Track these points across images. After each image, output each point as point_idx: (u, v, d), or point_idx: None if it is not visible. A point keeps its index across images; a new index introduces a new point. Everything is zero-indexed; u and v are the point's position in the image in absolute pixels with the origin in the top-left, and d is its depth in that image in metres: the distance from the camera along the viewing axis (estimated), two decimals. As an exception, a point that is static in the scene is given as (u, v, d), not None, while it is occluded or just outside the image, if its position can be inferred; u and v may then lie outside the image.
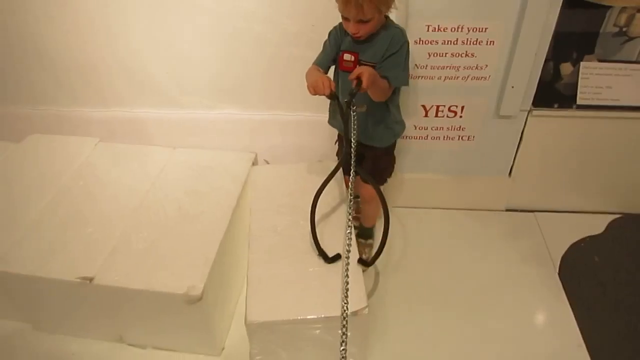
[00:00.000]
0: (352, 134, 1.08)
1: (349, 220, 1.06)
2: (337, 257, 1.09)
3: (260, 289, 1.04)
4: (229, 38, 1.67)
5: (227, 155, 1.42)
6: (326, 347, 1.02)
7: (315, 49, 1.66)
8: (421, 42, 1.23)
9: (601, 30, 1.36)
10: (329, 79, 1.11)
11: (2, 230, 1.20)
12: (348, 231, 1.05)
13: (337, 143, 1.41)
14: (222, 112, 1.83)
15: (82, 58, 1.79)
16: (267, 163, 1.67)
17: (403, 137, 1.42)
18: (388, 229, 1.09)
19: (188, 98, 1.82)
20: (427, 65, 1.27)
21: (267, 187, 1.31)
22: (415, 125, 1.39)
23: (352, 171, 1.08)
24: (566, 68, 1.39)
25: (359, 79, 1.04)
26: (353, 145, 1.08)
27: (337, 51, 1.18)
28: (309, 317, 0.99)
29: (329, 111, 1.31)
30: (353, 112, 1.07)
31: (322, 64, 1.21)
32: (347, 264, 1.02)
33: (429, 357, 1.18)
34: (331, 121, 1.31)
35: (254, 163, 1.40)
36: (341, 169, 1.18)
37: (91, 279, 1.07)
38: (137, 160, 1.43)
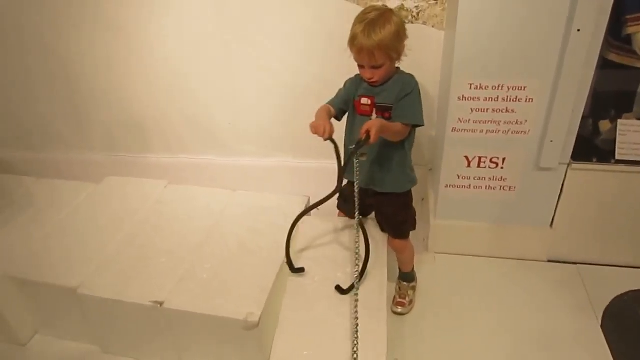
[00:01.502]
0: (356, 178, 1.20)
1: (356, 259, 1.17)
2: (301, 269, 1.25)
3: (288, 332, 1.13)
4: (285, 93, 1.85)
5: (282, 198, 1.54)
6: None
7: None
8: (464, 98, 1.34)
9: (639, 90, 1.43)
10: (330, 125, 1.20)
11: (85, 259, 1.35)
12: (356, 275, 1.16)
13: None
14: (275, 160, 1.99)
15: (154, 110, 2.01)
16: (317, 209, 1.78)
17: (447, 186, 1.52)
18: (368, 259, 1.21)
19: (246, 147, 1.99)
20: (469, 120, 1.38)
21: (313, 236, 1.41)
22: (458, 175, 1.49)
23: (357, 213, 1.20)
24: (605, 125, 1.47)
25: (368, 132, 1.15)
26: (356, 189, 1.20)
27: (351, 96, 1.30)
28: None
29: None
30: (356, 160, 1.20)
31: (335, 103, 1.32)
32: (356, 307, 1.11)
33: None
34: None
35: (307, 205, 1.51)
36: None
37: (161, 303, 1.20)
38: (201, 201, 1.57)
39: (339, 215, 1.49)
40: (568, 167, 1.42)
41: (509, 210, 1.53)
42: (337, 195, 1.29)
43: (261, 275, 1.24)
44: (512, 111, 1.34)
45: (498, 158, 1.43)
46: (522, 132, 1.37)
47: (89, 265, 1.33)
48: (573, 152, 1.41)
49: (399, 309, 1.43)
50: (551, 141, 1.36)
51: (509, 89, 1.31)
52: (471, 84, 1.32)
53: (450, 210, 1.57)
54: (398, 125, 1.21)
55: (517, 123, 1.36)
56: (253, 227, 1.43)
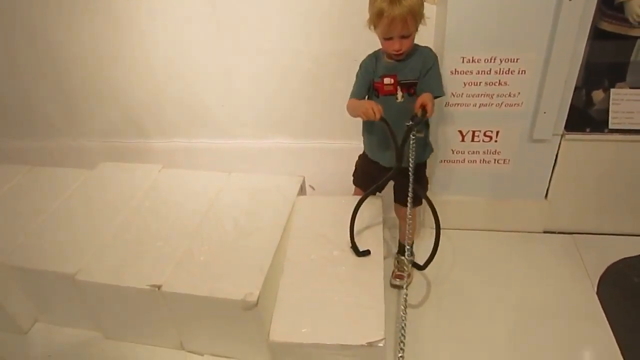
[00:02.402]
0: (411, 156, 1.16)
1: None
2: (366, 252, 1.22)
3: (287, 311, 1.15)
4: (279, 74, 1.84)
5: (278, 179, 1.54)
6: None
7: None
8: (457, 72, 1.34)
9: (632, 59, 1.43)
10: (377, 105, 1.17)
11: (82, 245, 1.35)
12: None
13: (358, 170, 1.46)
14: (271, 141, 1.99)
15: (146, 94, 1.99)
16: (313, 189, 1.79)
17: (442, 161, 1.52)
18: (439, 233, 1.23)
19: (241, 129, 1.99)
20: (462, 94, 1.37)
21: (309, 216, 1.42)
22: (453, 150, 1.48)
23: (409, 195, 1.18)
24: (598, 95, 1.46)
25: (423, 107, 1.13)
26: (411, 169, 1.17)
27: (370, 78, 1.26)
28: (327, 342, 1.06)
29: (369, 144, 1.37)
30: (413, 138, 1.15)
31: (360, 93, 1.28)
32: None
33: None
34: (374, 154, 1.36)
35: (302, 185, 1.51)
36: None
37: (159, 287, 1.20)
38: (196, 184, 1.57)
39: (354, 194, 1.47)
40: (562, 138, 1.42)
41: (504, 183, 1.53)
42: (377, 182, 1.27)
43: (259, 256, 1.25)
44: (505, 84, 1.34)
45: (492, 131, 1.43)
46: (515, 104, 1.37)
47: (86, 252, 1.33)
48: (566, 122, 1.41)
49: (397, 281, 1.44)
50: (544, 113, 1.36)
51: (501, 62, 1.30)
52: (463, 58, 1.31)
53: (446, 186, 1.57)
54: (428, 95, 1.18)
55: (510, 96, 1.36)
56: (249, 209, 1.43)
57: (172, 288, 1.20)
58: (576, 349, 1.28)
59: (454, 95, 1.38)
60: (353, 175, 1.46)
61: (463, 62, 1.32)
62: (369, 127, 1.33)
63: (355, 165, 1.46)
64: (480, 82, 1.34)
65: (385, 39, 1.18)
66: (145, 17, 1.78)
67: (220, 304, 1.16)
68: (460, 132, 1.45)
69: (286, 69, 1.81)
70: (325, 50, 1.74)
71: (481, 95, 1.36)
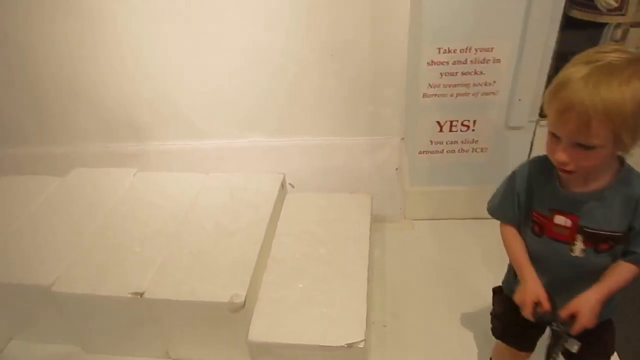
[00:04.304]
0: None
1: None
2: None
3: (267, 310, 1.12)
4: (252, 70, 1.80)
5: (257, 177, 1.52)
6: None
7: (333, 77, 1.78)
8: (433, 63, 1.34)
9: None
10: (543, 292, 0.81)
11: (57, 255, 1.30)
12: None
13: (500, 319, 1.03)
14: (248, 140, 1.95)
15: (118, 97, 1.93)
16: (292, 187, 1.77)
17: (420, 152, 1.52)
18: None
19: (216, 129, 1.94)
20: (440, 85, 1.37)
21: (294, 213, 1.40)
22: (431, 141, 1.49)
23: None
24: (569, 82, 1.49)
25: (573, 317, 0.77)
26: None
27: (526, 204, 0.86)
28: (307, 343, 1.04)
29: (509, 278, 1.00)
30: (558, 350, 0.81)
31: (510, 215, 0.90)
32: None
33: None
34: (512, 287, 0.94)
35: (282, 183, 1.50)
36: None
37: (142, 294, 1.17)
38: (173, 186, 1.54)
39: (495, 352, 1.09)
40: (536, 124, 1.44)
41: (482, 171, 1.55)
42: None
43: (243, 256, 1.23)
44: (481, 73, 1.35)
45: (469, 120, 1.44)
46: (491, 93, 1.38)
47: (62, 261, 1.28)
48: (540, 109, 1.42)
49: None
50: (519, 100, 1.37)
51: (476, 51, 1.31)
52: (440, 49, 1.31)
53: (425, 176, 1.58)
54: (629, 272, 0.78)
55: (485, 85, 1.37)
56: (230, 208, 1.40)
57: (155, 294, 1.16)
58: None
59: (431, 87, 1.38)
60: (492, 323, 1.05)
61: (439, 52, 1.32)
62: None
63: (494, 312, 1.05)
64: (456, 72, 1.35)
65: (552, 134, 0.76)
66: (119, 17, 1.73)
67: (207, 308, 1.14)
68: (438, 122, 1.45)
69: (260, 66, 1.78)
70: (300, 45, 1.71)
71: (457, 85, 1.37)
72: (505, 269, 1.46)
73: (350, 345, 1.02)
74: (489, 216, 1.63)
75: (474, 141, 1.48)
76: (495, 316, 1.04)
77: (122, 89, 1.90)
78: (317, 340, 1.04)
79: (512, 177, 0.90)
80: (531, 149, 1.50)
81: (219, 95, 1.88)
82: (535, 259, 0.85)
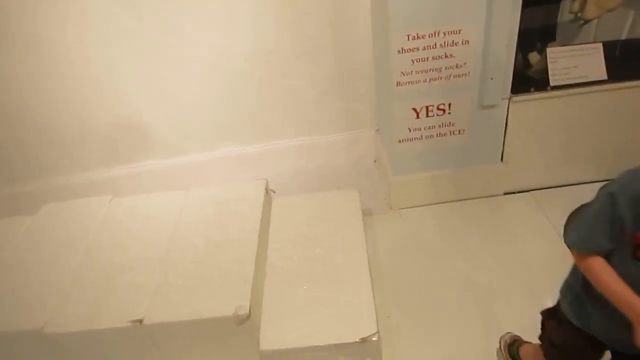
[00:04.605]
0: None
1: None
2: None
3: (274, 317, 1.10)
4: (218, 78, 1.77)
5: (240, 186, 1.49)
6: None
7: (301, 77, 1.77)
8: (404, 50, 1.34)
9: (559, 20, 1.50)
10: None
11: (43, 296, 1.24)
12: None
13: (559, 346, 0.95)
14: (222, 151, 1.92)
15: (79, 125, 1.86)
16: (274, 192, 1.75)
17: (400, 141, 1.53)
18: None
19: (187, 143, 1.91)
20: (412, 71, 1.38)
21: (284, 218, 1.38)
22: (409, 128, 1.50)
23: None
24: (534, 57, 1.52)
25: None
26: None
27: (633, 228, 0.75)
28: (320, 344, 1.03)
29: (588, 314, 0.87)
30: None
31: (607, 247, 0.78)
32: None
33: (454, 349, 1.23)
34: (598, 329, 0.86)
35: (266, 188, 1.47)
36: None
37: (141, 321, 1.12)
38: (154, 207, 1.49)
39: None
40: (509, 101, 1.47)
41: (462, 153, 1.57)
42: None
43: (239, 267, 1.20)
44: (451, 56, 1.36)
45: (444, 104, 1.46)
46: (463, 74, 1.40)
47: (48, 301, 1.22)
48: (511, 86, 1.45)
49: None
50: (491, 78, 1.40)
51: (445, 35, 1.32)
52: (409, 35, 1.32)
53: (407, 165, 1.58)
54: None
55: (457, 67, 1.38)
56: (217, 221, 1.37)
57: (155, 319, 1.12)
58: (555, 294, 1.32)
59: (404, 74, 1.39)
60: (547, 351, 0.99)
61: (408, 39, 1.33)
62: (597, 295, 0.81)
63: (550, 340, 0.97)
64: (427, 58, 1.36)
65: None
66: (67, 44, 1.66)
67: (211, 324, 1.10)
68: (415, 109, 1.46)
69: (223, 74, 1.76)
70: (262, 48, 1.70)
71: (430, 70, 1.38)
72: (490, 243, 1.49)
73: (364, 340, 1.01)
74: (471, 196, 1.68)
75: (451, 124, 1.50)
76: (552, 345, 0.95)
77: (83, 117, 1.84)
78: (330, 340, 1.02)
79: (612, 202, 0.77)
80: (506, 125, 1.52)
81: (186, 109, 1.84)
82: (633, 286, 0.75)
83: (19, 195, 1.98)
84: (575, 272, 0.89)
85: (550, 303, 1.29)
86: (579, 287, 0.88)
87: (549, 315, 1.00)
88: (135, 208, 1.51)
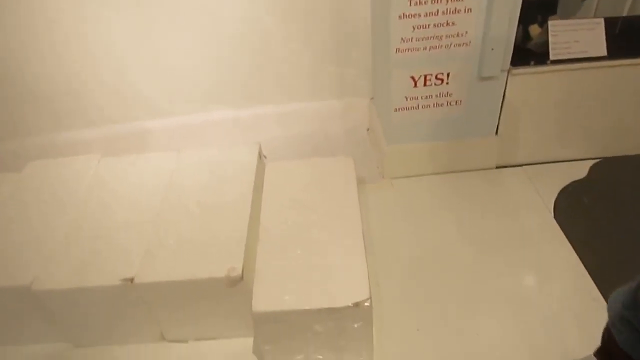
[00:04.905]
0: None
1: None
2: None
3: (267, 279, 1.10)
4: (211, 42, 1.73)
5: (232, 150, 1.46)
6: (331, 337, 1.08)
7: (296, 42, 1.73)
8: (405, 16, 1.31)
9: (561, -8, 1.48)
10: None
11: (31, 253, 1.22)
12: None
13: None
14: (213, 114, 1.89)
15: (64, 83, 1.81)
16: (265, 157, 1.73)
17: (396, 110, 1.51)
18: None
19: (179, 105, 1.87)
20: (412, 38, 1.35)
21: (279, 182, 1.37)
22: (406, 97, 1.48)
23: None
24: (534, 30, 1.51)
25: None
26: None
27: None
28: (312, 307, 1.03)
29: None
30: None
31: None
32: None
33: (440, 319, 1.24)
34: None
35: (260, 153, 1.46)
36: None
37: (132, 280, 1.11)
38: (145, 168, 1.46)
39: None
40: (508, 73, 1.46)
41: (457, 125, 1.56)
42: None
43: (232, 229, 1.19)
44: (453, 24, 1.34)
45: (443, 74, 1.44)
46: (463, 44, 1.38)
47: (37, 258, 1.20)
48: (511, 58, 1.44)
49: None
50: (492, 49, 1.38)
51: (447, 1, 1.30)
52: (410, 0, 1.29)
53: (401, 134, 1.57)
54: None
55: (458, 35, 1.36)
56: (209, 184, 1.35)
57: (146, 278, 1.11)
58: (543, 269, 1.34)
59: (403, 41, 1.36)
60: None
61: (410, 4, 1.29)
62: None
63: None
64: (428, 25, 1.33)
65: None
66: (57, 1, 1.60)
67: (202, 285, 1.10)
68: (413, 77, 1.44)
69: (216, 36, 1.71)
70: (259, 11, 1.65)
71: (430, 37, 1.36)
72: (480, 214, 1.49)
73: (356, 305, 1.02)
74: (463, 169, 1.68)
75: (449, 94, 1.48)
76: None
77: (67, 75, 1.78)
78: (322, 304, 1.03)
79: None
80: (503, 99, 1.52)
81: (177, 71, 1.80)
82: None
83: (2, 153, 1.93)
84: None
85: (534, 275, 1.33)
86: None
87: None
88: (125, 168, 1.48)
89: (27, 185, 1.48)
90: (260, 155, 1.47)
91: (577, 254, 1.36)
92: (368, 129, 1.87)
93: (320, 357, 1.13)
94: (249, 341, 1.24)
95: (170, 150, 1.52)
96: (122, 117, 1.91)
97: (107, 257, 1.18)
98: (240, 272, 1.08)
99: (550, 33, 1.44)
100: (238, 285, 1.09)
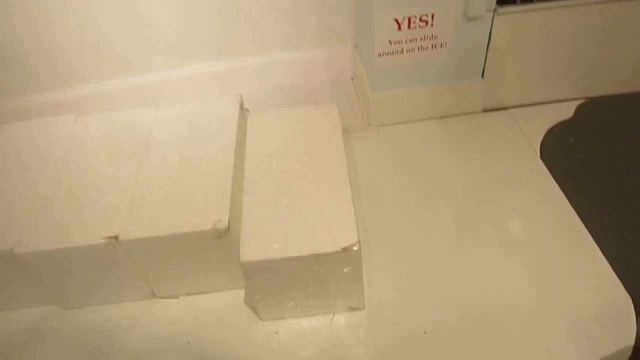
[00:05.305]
0: None
1: None
2: None
3: (254, 229, 1.07)
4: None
5: (213, 102, 1.42)
6: (322, 283, 1.07)
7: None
8: (386, -46, 1.26)
9: None
10: None
11: (10, 217, 1.18)
12: None
13: None
14: (190, 68, 1.82)
15: (33, 41, 1.72)
16: (248, 111, 1.69)
17: (380, 55, 1.47)
18: None
19: (154, 60, 1.80)
20: (395, -23, 1.30)
21: (262, 132, 1.33)
22: (390, 41, 1.43)
23: None
24: (519, -35, 1.46)
25: None
26: None
27: None
28: (301, 254, 1.01)
29: None
30: None
31: None
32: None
33: (429, 261, 1.24)
34: None
35: (241, 104, 1.41)
36: None
37: (116, 237, 1.09)
38: (123, 125, 1.41)
39: None
40: (494, 13, 1.42)
41: (443, 68, 1.52)
42: None
43: (216, 182, 1.16)
44: (436, -40, 1.28)
45: (427, 15, 1.39)
46: (448, -19, 1.33)
47: (16, 222, 1.16)
48: (497, -3, 1.40)
49: None
50: (477, -14, 1.33)
51: None
52: (392, -64, 1.23)
53: (386, 81, 1.54)
54: None
55: (442, -28, 1.31)
56: (191, 137, 1.31)
57: (130, 235, 1.09)
58: (530, 209, 1.35)
59: (386, -20, 1.31)
60: None
61: (392, -60, 1.24)
62: None
63: None
64: (411, -38, 1.28)
65: None
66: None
67: (189, 239, 1.08)
68: (396, 20, 1.39)
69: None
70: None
71: (413, -24, 1.31)
72: (468, 158, 1.48)
73: (345, 249, 1.00)
74: (450, 114, 1.66)
75: (433, 37, 1.44)
76: None
77: (36, 32, 1.69)
78: (311, 250, 1.01)
79: None
80: (489, 40, 1.48)
81: (151, 23, 1.72)
82: None
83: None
84: None
85: (522, 215, 1.33)
86: None
87: None
88: (103, 126, 1.43)
89: (1, 148, 1.42)
90: (242, 107, 1.43)
91: (565, 193, 1.37)
92: (352, 78, 1.83)
93: (312, 303, 1.13)
94: (241, 293, 1.24)
95: (148, 106, 1.47)
96: (96, 76, 1.84)
97: (89, 216, 1.15)
98: (226, 223, 1.06)
99: (536, -32, 1.40)
100: (225, 237, 1.07)
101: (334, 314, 1.16)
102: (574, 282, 1.15)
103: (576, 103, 1.67)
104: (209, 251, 1.11)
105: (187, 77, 1.80)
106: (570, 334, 1.06)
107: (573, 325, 1.07)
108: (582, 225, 1.27)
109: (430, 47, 1.46)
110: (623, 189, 1.37)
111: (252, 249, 1.04)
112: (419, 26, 1.41)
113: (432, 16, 1.39)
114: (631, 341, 1.00)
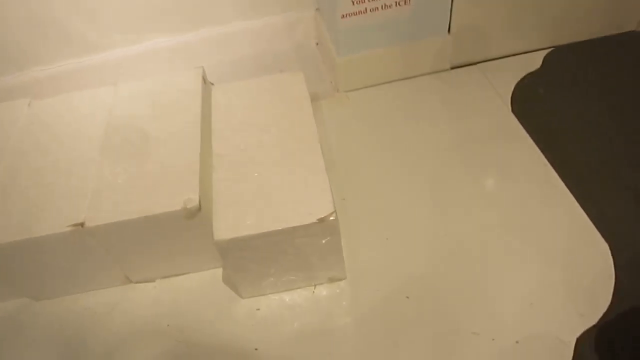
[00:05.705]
0: None
1: None
2: None
3: (226, 206, 1.04)
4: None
5: (174, 77, 1.36)
6: (301, 256, 1.05)
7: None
8: None
9: None
10: None
11: (-34, 208, 1.12)
12: None
13: None
14: (148, 44, 1.74)
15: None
16: (212, 84, 1.63)
17: (343, 16, 1.42)
18: None
19: (109, 37, 1.71)
20: None
21: (227, 105, 1.28)
22: (352, 1, 1.38)
23: None
24: None
25: None
26: None
27: None
28: (277, 228, 0.98)
29: None
30: None
31: None
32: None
33: (408, 225, 1.23)
34: None
35: (204, 77, 1.35)
36: None
37: (82, 224, 1.04)
38: (81, 107, 1.34)
39: None
40: (457, -36, 1.38)
41: (408, 27, 1.48)
42: None
43: (183, 160, 1.12)
44: None
45: (389, -29, 1.34)
46: None
47: (-25, 214, 1.11)
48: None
49: None
50: (438, -63, 1.29)
51: None
52: None
53: (351, 44, 1.49)
54: None
55: None
56: (153, 115, 1.25)
57: (97, 221, 1.04)
58: (505, 165, 1.34)
59: (344, -64, 1.25)
60: None
61: None
62: None
63: None
64: None
65: None
66: None
67: (159, 221, 1.04)
68: (358, -22, 1.34)
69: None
70: None
71: None
72: (438, 120, 1.47)
73: (322, 220, 0.98)
74: (417, 73, 1.62)
75: (396, -7, 1.40)
76: None
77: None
78: (287, 223, 0.98)
79: None
80: (453, -6, 1.45)
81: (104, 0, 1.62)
82: None
83: None
84: None
85: (497, 172, 1.33)
86: None
87: None
88: (60, 109, 1.36)
89: (-50, 140, 1.34)
90: (205, 80, 1.37)
91: (537, 146, 1.37)
92: (317, 43, 1.77)
93: (292, 277, 1.11)
94: (219, 272, 1.21)
95: (106, 85, 1.40)
96: (50, 57, 1.74)
97: (52, 203, 1.10)
98: (197, 202, 1.02)
99: None
100: (197, 216, 1.04)
101: (315, 286, 1.15)
102: (553, 233, 1.16)
103: (543, 53, 1.66)
104: (181, 232, 1.08)
105: (146, 53, 1.72)
106: (551, 286, 1.07)
107: (553, 276, 1.08)
108: (557, 176, 1.28)
109: (394, 4, 1.42)
110: (593, 137, 1.38)
111: (225, 227, 1.00)
112: (382, -17, 1.37)
113: (395, -28, 1.35)
114: (611, 287, 1.01)
